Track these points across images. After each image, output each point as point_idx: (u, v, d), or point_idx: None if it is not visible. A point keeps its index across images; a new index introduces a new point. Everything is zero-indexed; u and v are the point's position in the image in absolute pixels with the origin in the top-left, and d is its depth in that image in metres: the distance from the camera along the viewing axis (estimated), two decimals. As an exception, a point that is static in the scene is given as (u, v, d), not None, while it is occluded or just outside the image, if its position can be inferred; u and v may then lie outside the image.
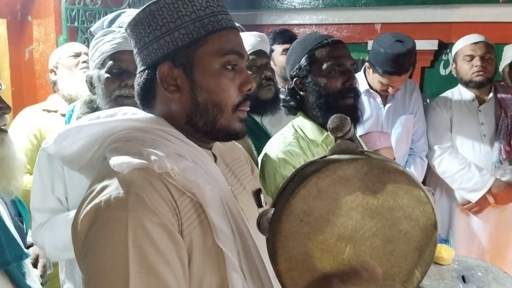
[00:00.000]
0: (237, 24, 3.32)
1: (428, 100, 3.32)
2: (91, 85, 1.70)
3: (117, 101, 1.61)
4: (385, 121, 2.80)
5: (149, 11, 1.03)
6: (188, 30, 1.01)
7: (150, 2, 1.04)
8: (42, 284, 1.88)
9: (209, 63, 1.02)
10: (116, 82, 1.62)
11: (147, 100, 1.08)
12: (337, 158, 0.93)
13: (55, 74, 2.70)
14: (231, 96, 1.04)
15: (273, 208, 0.94)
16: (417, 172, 2.82)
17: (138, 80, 1.08)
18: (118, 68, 1.63)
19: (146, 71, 1.06)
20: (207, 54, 1.02)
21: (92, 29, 2.03)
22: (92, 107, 1.74)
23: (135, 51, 1.09)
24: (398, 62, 2.57)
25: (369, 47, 2.88)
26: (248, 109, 1.09)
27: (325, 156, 0.97)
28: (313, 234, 0.91)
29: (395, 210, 0.92)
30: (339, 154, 0.96)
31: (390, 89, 2.70)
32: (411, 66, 2.66)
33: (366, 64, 2.81)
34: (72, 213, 1.59)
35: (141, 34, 1.04)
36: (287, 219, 0.90)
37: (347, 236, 0.91)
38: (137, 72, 1.09)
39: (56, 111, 2.62)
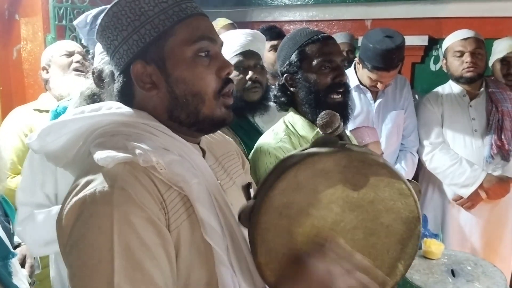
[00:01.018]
0: (228, 21, 3.30)
1: (417, 97, 3.32)
2: (98, 79, 1.67)
3: None
4: (376, 116, 2.79)
5: (112, 14, 1.01)
6: (153, 25, 0.99)
7: (112, 4, 1.03)
8: (30, 284, 1.86)
9: (180, 53, 1.00)
10: None
11: (126, 102, 1.06)
12: (316, 151, 0.92)
13: (47, 72, 2.65)
14: (209, 83, 1.02)
15: (254, 201, 0.93)
16: (408, 167, 2.82)
17: (116, 85, 1.07)
18: None
19: (122, 74, 1.04)
20: (176, 44, 1.00)
21: (75, 23, 2.00)
22: (94, 101, 1.72)
23: (108, 57, 1.07)
24: (387, 58, 2.57)
25: (359, 43, 2.88)
26: (232, 87, 1.07)
27: (306, 149, 0.96)
28: (292, 226, 0.90)
29: (376, 203, 0.92)
30: (319, 147, 0.95)
31: (379, 85, 2.69)
32: (400, 62, 2.66)
33: (356, 59, 2.80)
34: (55, 208, 1.57)
35: (110, 38, 1.03)
36: (266, 212, 0.89)
37: (327, 229, 0.91)
38: (115, 77, 1.07)
39: (47, 111, 2.56)
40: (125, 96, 1.06)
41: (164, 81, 1.01)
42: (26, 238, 1.65)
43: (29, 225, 1.62)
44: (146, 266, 0.84)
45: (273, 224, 0.90)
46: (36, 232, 1.60)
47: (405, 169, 2.80)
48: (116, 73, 1.06)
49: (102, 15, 1.04)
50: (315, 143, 0.97)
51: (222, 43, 1.09)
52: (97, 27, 1.06)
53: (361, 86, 2.78)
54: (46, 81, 2.68)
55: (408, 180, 0.96)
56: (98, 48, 1.64)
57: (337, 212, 0.91)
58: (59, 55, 2.60)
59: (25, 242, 1.67)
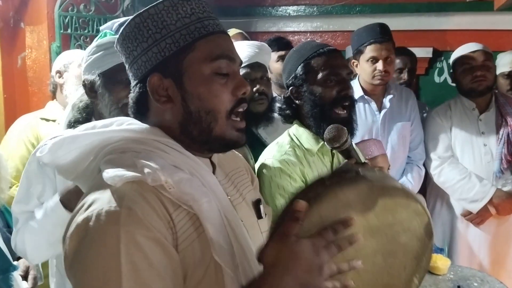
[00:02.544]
0: (238, 31, 3.29)
1: (427, 109, 3.31)
2: (90, 91, 1.67)
3: (122, 108, 1.59)
4: (381, 127, 2.77)
5: (134, 24, 1.01)
6: (174, 39, 0.99)
7: (135, 15, 1.03)
8: (32, 297, 1.84)
9: (198, 70, 1.00)
10: (126, 90, 1.60)
11: (140, 113, 1.06)
12: (337, 183, 0.91)
13: (61, 77, 2.60)
14: (223, 101, 1.01)
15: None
16: (414, 180, 2.79)
17: (132, 95, 1.07)
18: (128, 77, 1.61)
19: (138, 85, 1.04)
20: (195, 61, 1.00)
21: (101, 28, 2.00)
22: (88, 113, 1.71)
23: (126, 66, 1.07)
24: (373, 31, 2.63)
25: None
26: (245, 107, 1.06)
27: (322, 178, 0.95)
28: None
29: (394, 226, 0.92)
30: (338, 176, 0.94)
31: (379, 65, 2.63)
32: (389, 38, 2.66)
33: (352, 61, 2.78)
34: (47, 206, 1.55)
35: (130, 48, 1.03)
36: None
37: (350, 258, 0.89)
38: (131, 87, 1.07)
39: (54, 120, 2.54)
40: (140, 107, 1.06)
41: (180, 96, 1.01)
42: (26, 246, 1.63)
43: (26, 231, 1.60)
44: (154, 287, 0.83)
45: None
46: (35, 236, 1.58)
47: (412, 182, 2.77)
48: (133, 83, 1.06)
49: (125, 24, 1.04)
50: (334, 172, 0.99)
51: (241, 62, 1.09)
52: (117, 36, 1.06)
53: (366, 97, 2.77)
54: (56, 86, 2.64)
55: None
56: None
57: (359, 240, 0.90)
58: (77, 65, 2.52)
59: (23, 253, 1.64)
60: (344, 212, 0.88)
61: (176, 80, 1.00)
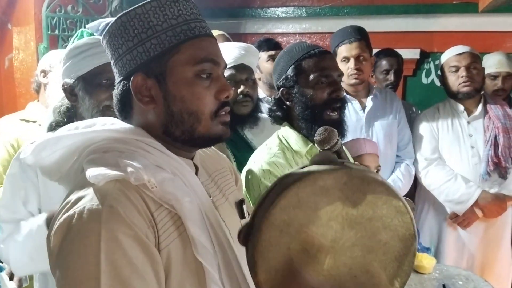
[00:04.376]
0: (220, 32, 3.28)
1: (414, 109, 3.33)
2: (71, 94, 1.66)
3: (104, 111, 1.58)
4: (366, 126, 2.78)
5: (121, 23, 1.02)
6: (159, 40, 0.99)
7: (122, 13, 1.03)
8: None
9: (182, 72, 1.00)
10: (107, 92, 1.59)
11: (124, 111, 1.07)
12: (317, 169, 0.92)
13: (45, 76, 2.54)
14: (206, 104, 1.02)
15: (253, 219, 0.93)
16: (405, 179, 2.80)
17: (115, 91, 1.07)
18: (107, 79, 1.60)
19: (122, 82, 1.04)
20: (179, 63, 1.00)
21: (88, 26, 1.98)
22: (69, 117, 1.70)
23: (112, 62, 1.07)
24: (344, 33, 2.70)
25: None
26: (228, 110, 1.07)
27: (305, 166, 0.97)
28: (293, 244, 0.90)
29: (374, 220, 0.92)
30: (319, 164, 0.95)
31: (350, 63, 2.68)
32: (360, 38, 2.70)
33: None
34: (33, 225, 1.54)
35: (115, 45, 1.03)
36: (267, 230, 0.89)
37: (327, 246, 0.91)
38: (115, 83, 1.07)
39: (34, 121, 2.51)
40: (123, 105, 1.06)
41: (162, 97, 1.01)
42: (10, 257, 1.61)
43: (11, 243, 1.58)
44: (134, 284, 0.83)
45: (273, 242, 0.89)
46: (18, 251, 1.57)
47: (402, 180, 2.77)
48: (117, 80, 1.06)
49: (111, 22, 1.04)
50: (314, 161, 0.98)
51: (225, 66, 1.09)
52: (103, 33, 1.06)
53: (348, 96, 2.77)
54: (39, 85, 2.60)
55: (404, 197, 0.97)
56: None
57: (336, 229, 0.91)
58: None
59: (7, 262, 1.62)
60: (321, 196, 0.89)
61: (159, 81, 1.01)
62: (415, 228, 0.94)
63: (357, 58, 2.67)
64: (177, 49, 1.00)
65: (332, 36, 2.85)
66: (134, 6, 1.01)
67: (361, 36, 2.71)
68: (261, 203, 0.93)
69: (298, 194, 0.88)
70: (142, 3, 1.01)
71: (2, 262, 1.73)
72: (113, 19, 1.05)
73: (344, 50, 2.69)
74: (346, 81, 2.72)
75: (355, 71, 2.68)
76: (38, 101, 2.65)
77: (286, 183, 0.91)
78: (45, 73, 2.54)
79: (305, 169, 0.94)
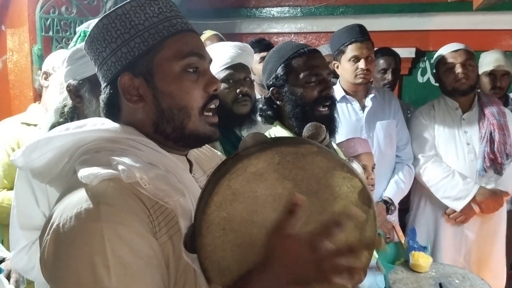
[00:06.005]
0: (213, 32, 3.26)
1: (411, 109, 3.33)
2: (75, 95, 1.65)
3: None
4: (366, 126, 2.78)
5: (102, 26, 1.02)
6: (143, 39, 1.00)
7: (102, 16, 1.03)
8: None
9: (168, 68, 1.01)
10: None
11: (112, 114, 1.06)
12: (245, 154, 0.85)
13: (47, 79, 2.49)
14: (195, 98, 1.02)
15: (193, 225, 0.88)
16: (406, 179, 2.81)
17: (102, 96, 1.06)
18: None
19: (109, 86, 1.04)
20: (165, 59, 1.00)
21: (78, 29, 1.96)
22: (72, 117, 1.69)
23: (96, 68, 1.07)
24: (353, 31, 2.67)
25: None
26: (217, 103, 1.07)
27: (236, 154, 0.88)
28: (240, 239, 0.85)
29: (321, 193, 0.86)
30: (248, 149, 0.87)
31: (361, 63, 2.65)
32: (368, 38, 2.69)
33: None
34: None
35: (98, 49, 1.03)
36: (207, 232, 0.83)
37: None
38: (101, 88, 1.07)
39: (35, 125, 2.48)
40: (112, 108, 1.06)
41: (151, 94, 1.01)
42: (19, 266, 1.59)
43: (26, 256, 1.57)
44: (144, 279, 0.83)
45: (218, 242, 0.84)
46: (30, 262, 1.56)
47: (404, 180, 2.78)
48: (103, 85, 1.06)
49: (91, 26, 1.04)
50: (243, 146, 0.89)
51: (211, 60, 1.09)
52: (85, 39, 1.06)
53: (347, 96, 2.78)
54: (41, 87, 2.55)
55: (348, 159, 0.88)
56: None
57: (282, 212, 0.84)
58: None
59: (23, 272, 1.61)
60: (256, 182, 0.83)
61: (146, 79, 1.01)
62: (367, 191, 0.88)
63: (366, 58, 2.65)
64: (161, 46, 1.00)
65: (335, 34, 2.81)
66: (114, 8, 1.02)
67: (368, 36, 2.71)
68: (198, 204, 0.89)
69: (231, 187, 0.83)
70: (121, 4, 1.01)
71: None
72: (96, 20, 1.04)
73: (355, 49, 2.66)
74: (351, 80, 2.71)
75: (365, 71, 2.66)
76: (39, 103, 2.61)
77: (216, 177, 0.86)
78: (47, 75, 2.52)
79: (234, 157, 0.87)
